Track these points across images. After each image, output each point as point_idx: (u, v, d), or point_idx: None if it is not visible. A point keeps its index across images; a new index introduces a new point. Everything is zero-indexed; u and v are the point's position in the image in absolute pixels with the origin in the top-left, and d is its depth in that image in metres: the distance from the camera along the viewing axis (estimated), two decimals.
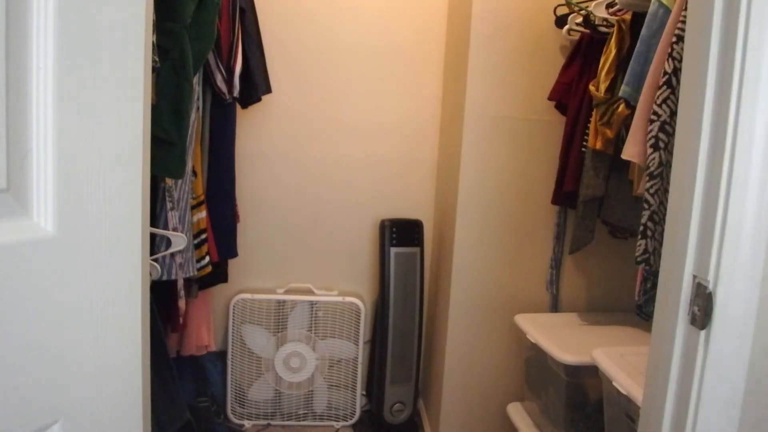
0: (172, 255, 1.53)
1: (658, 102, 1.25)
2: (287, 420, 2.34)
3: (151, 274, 1.23)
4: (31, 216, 0.55)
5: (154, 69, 1.20)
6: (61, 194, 0.56)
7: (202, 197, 1.77)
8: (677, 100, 1.05)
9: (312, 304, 2.30)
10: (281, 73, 2.25)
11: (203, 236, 1.75)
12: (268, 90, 2.08)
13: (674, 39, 1.22)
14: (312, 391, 2.33)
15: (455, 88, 2.16)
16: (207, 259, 1.75)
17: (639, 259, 1.30)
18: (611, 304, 2.12)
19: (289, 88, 2.30)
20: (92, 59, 0.57)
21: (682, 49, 1.17)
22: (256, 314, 2.28)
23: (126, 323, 0.65)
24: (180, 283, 1.70)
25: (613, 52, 1.62)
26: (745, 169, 0.75)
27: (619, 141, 1.62)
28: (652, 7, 1.37)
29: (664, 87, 1.24)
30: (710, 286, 0.78)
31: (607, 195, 1.78)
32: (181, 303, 1.72)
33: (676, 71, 1.21)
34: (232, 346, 2.28)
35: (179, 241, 1.43)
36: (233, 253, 2.06)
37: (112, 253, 0.62)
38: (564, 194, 1.94)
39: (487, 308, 2.10)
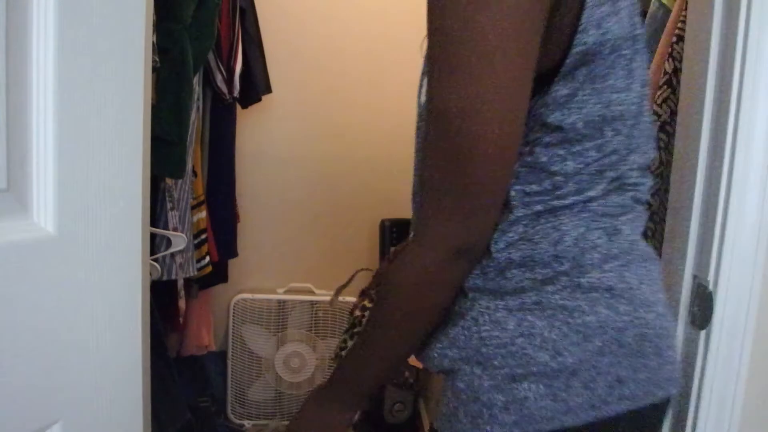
0: (173, 255, 1.53)
1: (658, 102, 1.24)
2: (287, 420, 2.34)
3: (151, 274, 1.23)
4: (31, 216, 0.55)
5: (154, 69, 1.20)
6: (61, 194, 0.56)
7: (202, 197, 1.77)
8: (677, 100, 1.05)
9: (312, 304, 2.30)
10: (281, 73, 2.25)
11: (203, 236, 1.75)
12: (268, 90, 2.08)
13: (674, 39, 1.22)
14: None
15: None
16: (207, 259, 1.75)
17: None
18: None
19: (289, 88, 2.30)
20: (92, 59, 0.57)
21: (682, 49, 1.17)
22: (256, 314, 2.28)
23: (126, 323, 0.65)
24: (180, 283, 1.70)
25: None
26: (745, 169, 0.75)
27: None
28: (652, 7, 1.37)
29: (664, 87, 1.23)
30: (710, 286, 0.78)
31: None
32: (181, 303, 1.72)
33: (676, 71, 1.21)
34: (232, 346, 2.28)
35: (179, 241, 1.42)
36: (233, 253, 2.06)
37: (112, 253, 0.62)
38: None
39: None
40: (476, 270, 0.66)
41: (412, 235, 0.71)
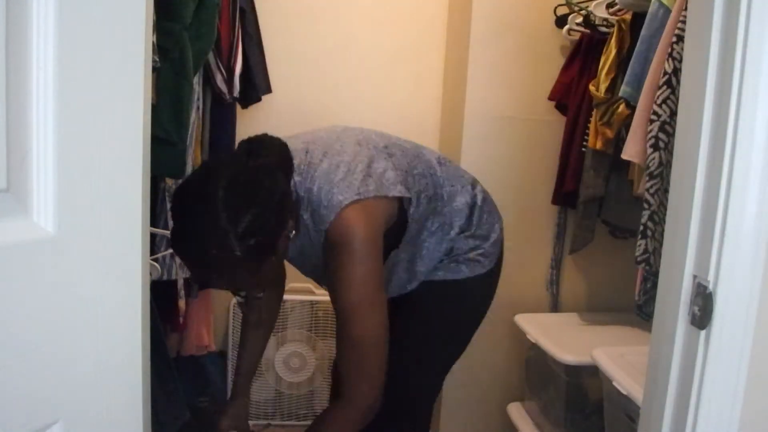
0: (173, 255, 1.53)
1: (658, 102, 1.25)
2: (287, 420, 2.34)
3: (151, 274, 1.23)
4: (31, 216, 0.55)
5: (154, 69, 1.20)
6: (61, 194, 0.56)
7: None
8: (677, 100, 1.05)
9: (312, 304, 2.30)
10: (281, 73, 2.25)
11: None
12: (268, 90, 2.08)
13: (674, 39, 1.22)
14: (312, 391, 2.33)
15: (455, 88, 2.16)
16: None
17: (639, 259, 1.30)
18: (611, 304, 2.12)
19: (289, 88, 2.30)
20: (92, 59, 0.57)
21: (682, 49, 1.17)
22: None
23: (126, 323, 0.65)
24: (180, 283, 1.70)
25: (613, 52, 1.62)
26: (745, 169, 0.75)
27: (619, 141, 1.62)
28: (652, 7, 1.37)
29: (664, 87, 1.24)
30: (710, 286, 0.78)
31: (607, 195, 1.78)
32: (181, 303, 1.72)
33: (676, 71, 1.21)
34: (232, 346, 2.28)
35: None
36: None
37: (112, 253, 0.62)
38: (564, 194, 1.94)
39: None
40: (445, 251, 1.37)
41: (347, 396, 1.19)
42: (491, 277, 1.44)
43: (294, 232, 1.17)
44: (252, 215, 1.02)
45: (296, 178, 1.19)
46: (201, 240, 1.03)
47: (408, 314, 1.39)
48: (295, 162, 1.20)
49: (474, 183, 1.45)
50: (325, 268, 1.21)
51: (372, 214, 1.17)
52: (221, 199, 1.01)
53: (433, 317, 1.41)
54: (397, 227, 1.27)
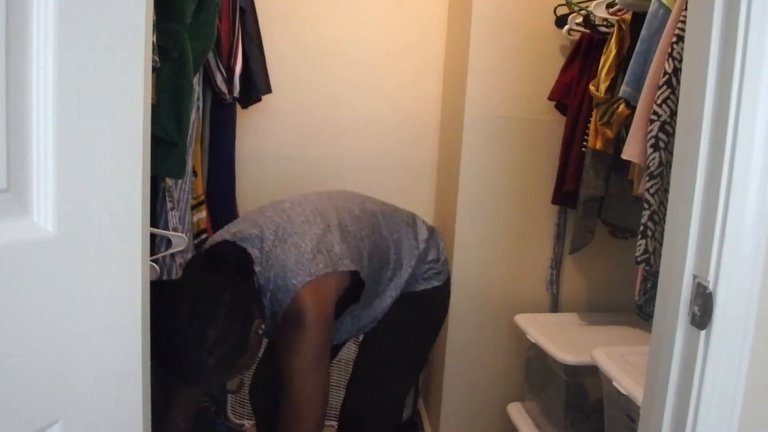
0: (173, 255, 1.53)
1: (658, 102, 1.25)
2: None
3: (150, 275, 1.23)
4: (31, 216, 0.55)
5: (154, 69, 1.20)
6: (61, 194, 0.56)
7: (203, 197, 1.76)
8: (677, 100, 1.05)
9: None
10: (281, 73, 2.25)
11: (203, 236, 1.74)
12: (268, 90, 2.08)
13: (674, 39, 1.22)
14: None
15: (455, 88, 2.16)
16: None
17: (639, 259, 1.30)
18: (611, 304, 2.12)
19: (289, 88, 2.30)
20: (92, 59, 0.57)
21: (682, 49, 1.17)
22: None
23: (126, 323, 0.65)
24: None
25: (613, 52, 1.62)
26: (745, 169, 0.75)
27: (619, 141, 1.62)
28: (652, 7, 1.37)
29: (664, 87, 1.23)
30: (710, 286, 0.78)
31: (607, 195, 1.78)
32: None
33: (676, 71, 1.21)
34: None
35: (179, 241, 1.42)
36: None
37: (112, 253, 0.62)
38: (564, 194, 1.94)
39: (487, 308, 2.10)
40: (400, 279, 1.53)
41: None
42: (446, 289, 1.63)
43: (264, 326, 1.29)
44: (216, 330, 1.15)
45: (257, 269, 1.30)
46: (176, 360, 1.15)
47: (374, 329, 1.54)
48: (254, 254, 1.30)
49: (413, 221, 1.59)
50: (278, 337, 1.33)
51: (323, 291, 1.30)
52: (185, 322, 1.14)
53: (397, 326, 1.54)
54: (354, 287, 1.40)
